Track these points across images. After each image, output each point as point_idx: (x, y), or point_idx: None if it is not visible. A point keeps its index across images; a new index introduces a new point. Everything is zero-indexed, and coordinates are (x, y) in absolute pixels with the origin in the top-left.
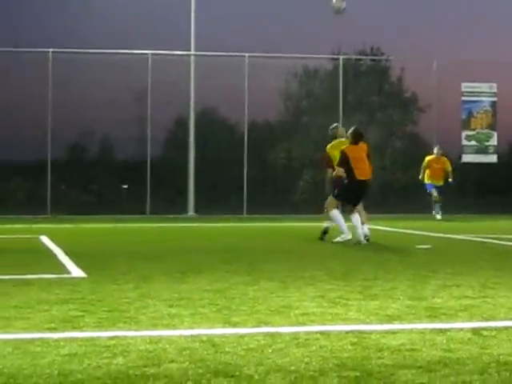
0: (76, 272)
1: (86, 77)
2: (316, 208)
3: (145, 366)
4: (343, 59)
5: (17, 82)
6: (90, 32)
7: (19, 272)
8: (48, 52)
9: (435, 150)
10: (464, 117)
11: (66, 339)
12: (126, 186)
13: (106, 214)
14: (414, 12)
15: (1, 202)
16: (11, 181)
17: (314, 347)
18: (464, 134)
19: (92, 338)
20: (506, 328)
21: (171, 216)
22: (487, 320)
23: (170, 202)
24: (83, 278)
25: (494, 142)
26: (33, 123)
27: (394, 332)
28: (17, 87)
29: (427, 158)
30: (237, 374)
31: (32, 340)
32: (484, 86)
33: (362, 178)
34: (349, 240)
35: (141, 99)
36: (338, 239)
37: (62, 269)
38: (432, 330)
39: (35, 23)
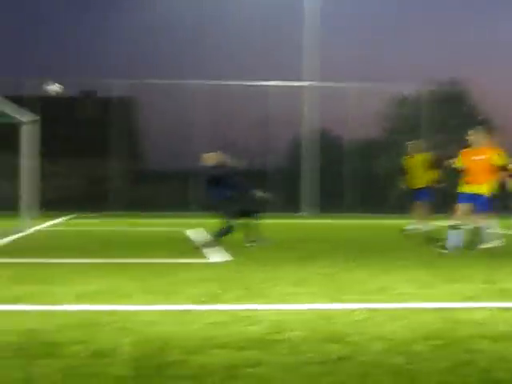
0: (221, 257)
1: (219, 104)
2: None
3: (273, 333)
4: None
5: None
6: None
7: (174, 256)
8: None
9: None
10: None
11: (210, 311)
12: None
13: None
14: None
15: (161, 201)
16: (170, 184)
17: (407, 320)
18: None
19: (232, 310)
20: None
21: (287, 214)
22: None
23: (286, 203)
24: (227, 262)
25: None
26: (182, 137)
27: (471, 309)
28: (171, 112)
29: None
30: (345, 340)
31: (184, 311)
32: None
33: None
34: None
35: (264, 121)
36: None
37: (209, 254)
38: (501, 308)
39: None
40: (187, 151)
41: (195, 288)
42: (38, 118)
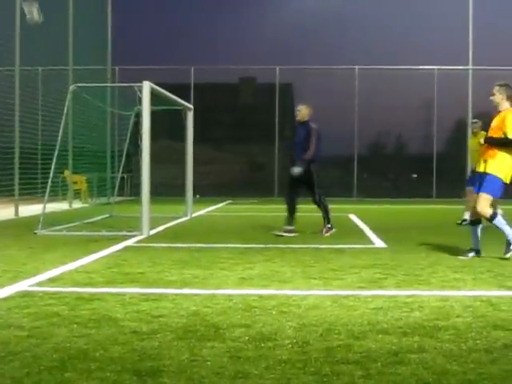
0: (379, 243)
1: (384, 88)
2: None
3: (436, 319)
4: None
5: (331, 93)
6: (385, 51)
7: (334, 242)
8: (354, 69)
9: None
10: None
11: (372, 296)
12: (415, 175)
13: (400, 198)
14: None
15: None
16: (329, 170)
17: None
18: None
19: (393, 296)
20: None
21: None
22: None
23: (452, 188)
24: (384, 248)
25: None
26: (344, 125)
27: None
28: (332, 97)
29: None
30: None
31: (346, 296)
32: None
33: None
34: None
35: (428, 105)
36: None
37: (368, 240)
38: None
39: (343, 45)
40: (348, 136)
41: (356, 273)
42: (191, 106)
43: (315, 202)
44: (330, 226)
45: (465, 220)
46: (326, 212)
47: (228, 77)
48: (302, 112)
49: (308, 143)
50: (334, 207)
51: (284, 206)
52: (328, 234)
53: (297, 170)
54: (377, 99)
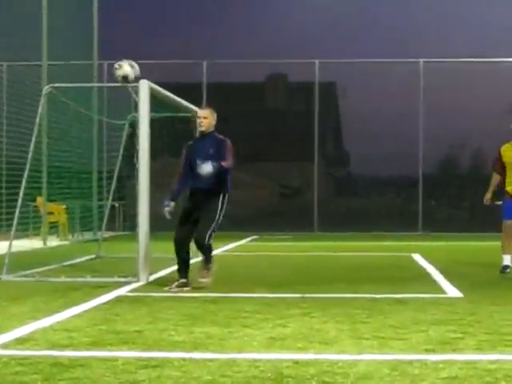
0: (452, 291)
1: (458, 86)
2: None
3: None
4: None
5: (387, 94)
6: (459, 40)
7: (393, 291)
8: (418, 62)
9: None
10: None
11: (444, 362)
12: (499, 203)
13: (479, 231)
14: None
15: (374, 218)
16: (384, 196)
17: None
18: None
19: (472, 362)
20: None
21: None
22: None
23: None
24: (460, 298)
25: None
26: (403, 136)
27: None
28: (387, 99)
29: None
30: None
31: (410, 362)
32: None
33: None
34: None
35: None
36: None
37: (437, 288)
38: None
39: (402, 34)
40: (409, 151)
41: (422, 331)
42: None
43: (199, 243)
44: (210, 265)
45: None
46: (209, 255)
47: (251, 74)
48: (209, 119)
49: (222, 157)
50: (393, 245)
51: (323, 243)
52: (209, 279)
53: (208, 169)
54: (448, 102)
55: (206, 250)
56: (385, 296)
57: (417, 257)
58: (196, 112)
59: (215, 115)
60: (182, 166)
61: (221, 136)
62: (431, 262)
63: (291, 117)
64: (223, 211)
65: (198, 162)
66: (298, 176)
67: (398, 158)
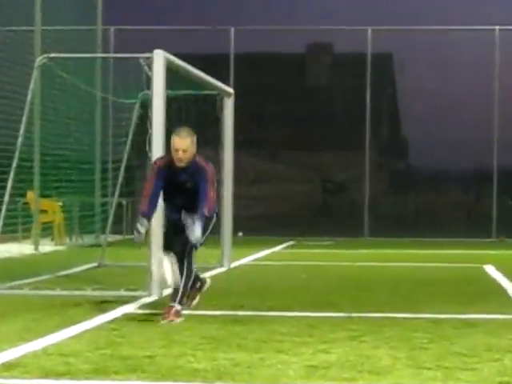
0: None
1: None
2: None
3: None
4: None
5: (454, 69)
6: None
7: (460, 311)
8: (494, 30)
9: None
10: None
11: None
12: None
13: None
14: None
15: (437, 220)
16: (450, 194)
17: None
18: None
19: None
20: None
21: None
22: None
23: None
24: None
25: None
26: (474, 120)
27: None
28: (454, 75)
29: None
30: None
31: None
32: None
33: None
34: None
35: None
36: None
37: None
38: None
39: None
40: (481, 137)
41: (497, 360)
42: (231, 90)
43: (181, 256)
44: (200, 284)
45: None
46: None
47: (288, 44)
48: (190, 150)
49: (203, 195)
50: (460, 253)
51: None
52: (195, 302)
53: (198, 233)
54: None
55: (189, 265)
56: (450, 316)
57: (489, 268)
58: (223, 91)
59: (195, 139)
60: (152, 188)
61: (202, 162)
62: (507, 275)
63: (337, 95)
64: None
65: (184, 215)
66: (345, 168)
67: (467, 146)
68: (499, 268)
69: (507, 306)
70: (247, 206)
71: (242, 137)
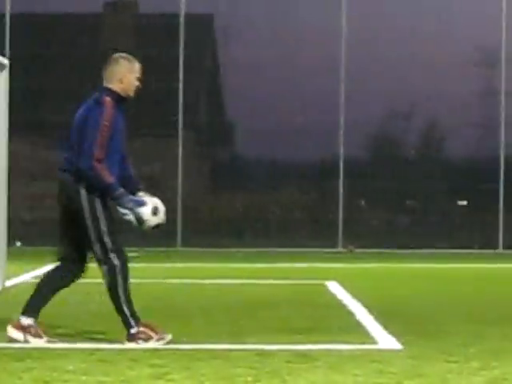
0: (385, 341)
1: None
2: None
3: None
4: None
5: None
6: None
7: (295, 340)
8: None
9: None
10: None
11: None
12: None
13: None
14: None
15: (270, 225)
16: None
17: None
18: None
19: None
20: None
21: None
22: None
23: None
24: (397, 352)
25: None
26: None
27: None
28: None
29: None
30: None
31: None
32: None
33: None
34: None
35: None
36: None
37: (363, 335)
38: None
39: None
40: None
41: None
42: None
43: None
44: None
45: None
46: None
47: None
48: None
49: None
50: (299, 267)
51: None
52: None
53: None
54: None
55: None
56: (282, 347)
57: (333, 286)
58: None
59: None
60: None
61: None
62: (354, 295)
63: (142, 66)
64: None
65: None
66: (152, 159)
67: (308, 132)
68: (345, 285)
69: (353, 333)
70: (27, 208)
71: (25, 117)
